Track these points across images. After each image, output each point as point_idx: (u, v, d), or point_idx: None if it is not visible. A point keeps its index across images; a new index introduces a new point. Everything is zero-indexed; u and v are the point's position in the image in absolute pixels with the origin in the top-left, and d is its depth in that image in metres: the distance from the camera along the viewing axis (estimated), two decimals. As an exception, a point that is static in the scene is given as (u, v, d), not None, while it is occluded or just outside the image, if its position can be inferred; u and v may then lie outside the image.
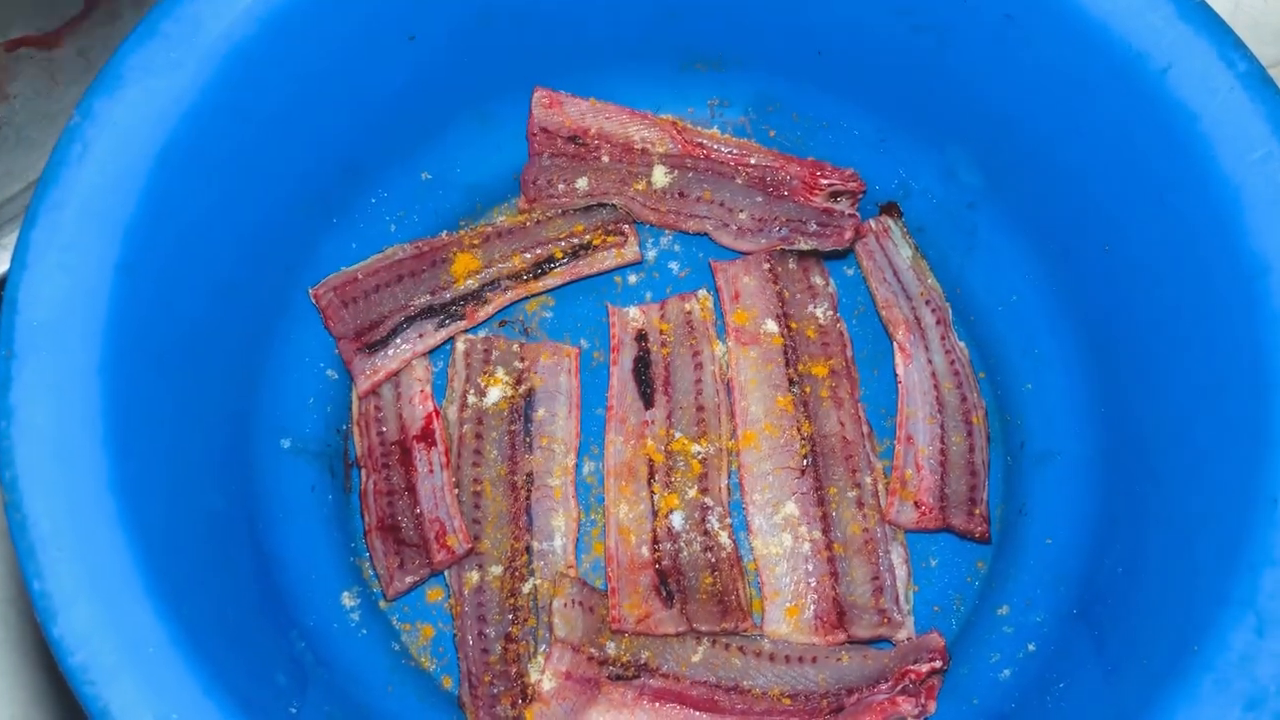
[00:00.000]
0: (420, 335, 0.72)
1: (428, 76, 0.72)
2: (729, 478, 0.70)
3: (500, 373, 0.72)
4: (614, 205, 0.76)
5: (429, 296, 0.73)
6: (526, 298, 0.75)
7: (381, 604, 0.68)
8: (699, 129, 0.78)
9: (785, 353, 0.73)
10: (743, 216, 0.76)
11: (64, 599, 0.49)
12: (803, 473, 0.70)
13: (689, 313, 0.74)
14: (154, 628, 0.49)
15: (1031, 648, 0.65)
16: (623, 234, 0.75)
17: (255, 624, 0.58)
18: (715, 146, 0.77)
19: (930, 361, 0.73)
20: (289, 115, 0.65)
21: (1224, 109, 0.59)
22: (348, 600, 0.67)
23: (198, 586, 0.53)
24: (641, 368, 0.72)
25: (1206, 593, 0.53)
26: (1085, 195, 0.67)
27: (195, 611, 0.51)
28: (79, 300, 0.54)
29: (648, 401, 0.72)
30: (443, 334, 0.73)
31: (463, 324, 0.73)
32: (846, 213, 0.75)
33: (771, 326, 0.73)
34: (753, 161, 0.77)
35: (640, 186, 0.76)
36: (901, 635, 0.67)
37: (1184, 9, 0.59)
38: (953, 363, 0.73)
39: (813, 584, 0.67)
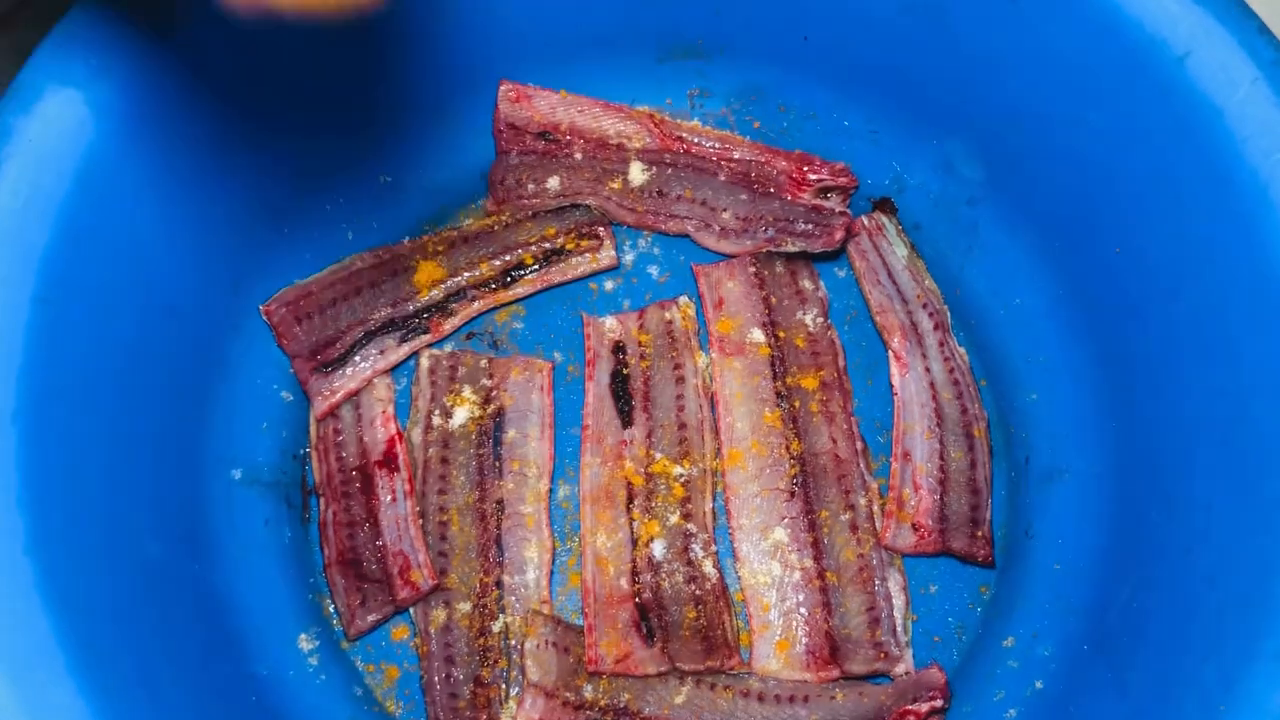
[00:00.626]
0: (381, 351, 0.68)
1: (384, 70, 0.66)
2: (714, 501, 0.65)
3: (467, 391, 0.67)
4: (588, 206, 0.71)
5: (390, 309, 0.68)
6: (495, 308, 0.70)
7: (343, 644, 0.64)
8: (678, 121, 0.72)
9: (772, 364, 0.68)
10: (726, 216, 0.71)
11: (-27, 679, 0.44)
12: (792, 495, 0.65)
13: (669, 322, 0.69)
14: (74, 707, 0.45)
15: (1039, 685, 0.61)
16: (598, 237, 0.70)
17: (195, 684, 0.54)
18: (696, 140, 0.72)
19: (928, 370, 0.68)
20: (228, 117, 0.60)
21: (1248, 101, 0.54)
22: (305, 643, 0.62)
23: (126, 652, 0.49)
24: (619, 383, 0.68)
25: (1236, 643, 0.49)
26: (1094, 191, 0.62)
27: (121, 683, 0.47)
28: (-10, 340, 0.49)
29: (626, 420, 0.67)
30: (405, 349, 0.68)
31: (427, 338, 0.68)
32: (837, 210, 0.70)
33: (758, 335, 0.68)
34: (736, 156, 0.71)
35: (616, 185, 0.71)
36: (899, 670, 0.62)
37: (1204, -9, 0.54)
38: (952, 371, 0.68)
39: (804, 616, 0.63)
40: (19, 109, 0.52)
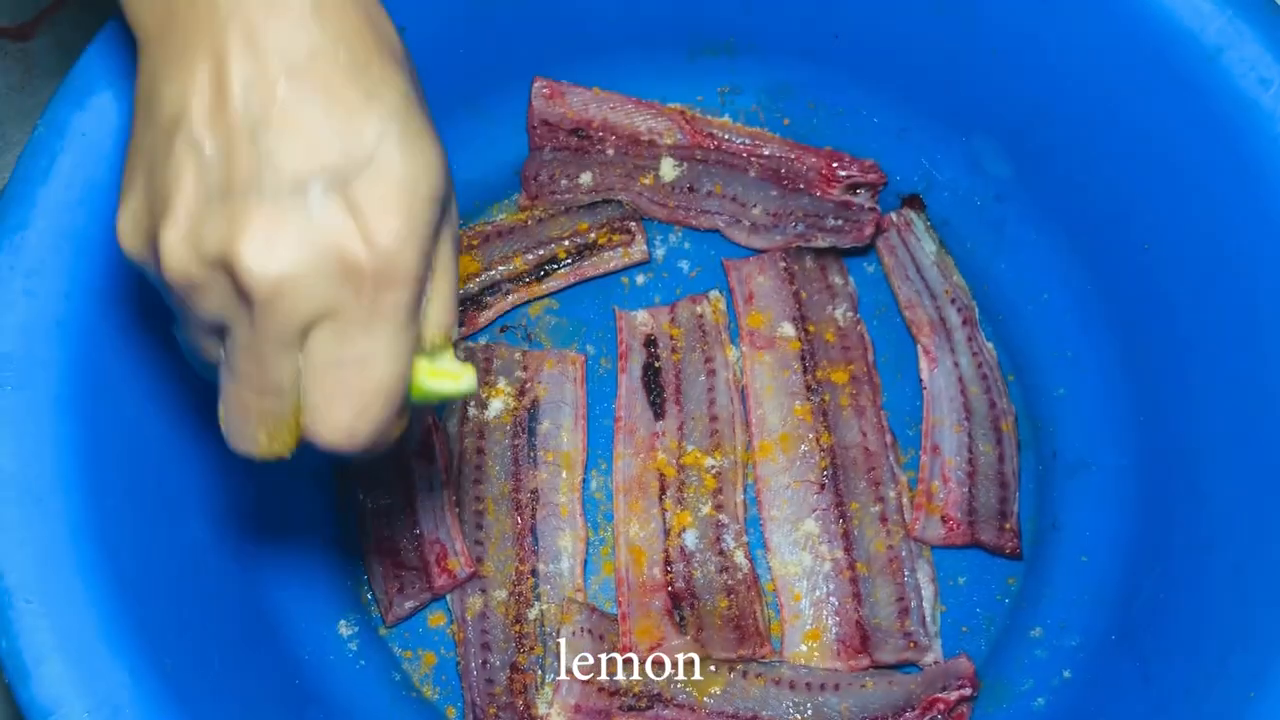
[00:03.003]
0: (417, 344, 0.69)
1: (421, 68, 0.67)
2: (745, 493, 0.66)
3: (502, 383, 0.68)
4: (620, 201, 0.72)
5: (426, 302, 0.69)
6: (529, 301, 0.71)
7: (381, 631, 0.65)
8: (709, 118, 0.73)
9: (803, 358, 0.69)
10: (756, 211, 0.71)
11: (34, 658, 0.45)
12: (822, 487, 0.66)
13: (700, 316, 0.70)
14: (131, 686, 0.46)
15: (1067, 674, 0.61)
16: (629, 232, 0.71)
17: (243, 666, 0.55)
18: (726, 136, 0.73)
19: (957, 365, 0.69)
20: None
21: (1277, 102, 0.55)
22: (345, 629, 0.63)
23: (179, 633, 0.50)
24: (651, 376, 0.69)
25: (1263, 633, 0.49)
26: (1123, 189, 0.62)
27: (176, 662, 0.48)
28: (47, 329, 0.50)
29: (658, 412, 0.68)
30: (441, 342, 0.69)
31: (462, 331, 0.69)
32: (866, 206, 0.71)
33: (788, 330, 0.69)
34: (766, 152, 0.72)
35: (647, 181, 0.72)
36: (928, 659, 0.63)
37: (1236, -14, 0.55)
38: (980, 365, 0.69)
39: (834, 606, 0.64)
40: (73, 104, 0.53)
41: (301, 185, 0.35)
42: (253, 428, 0.39)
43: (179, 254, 0.36)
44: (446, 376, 0.41)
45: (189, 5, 0.36)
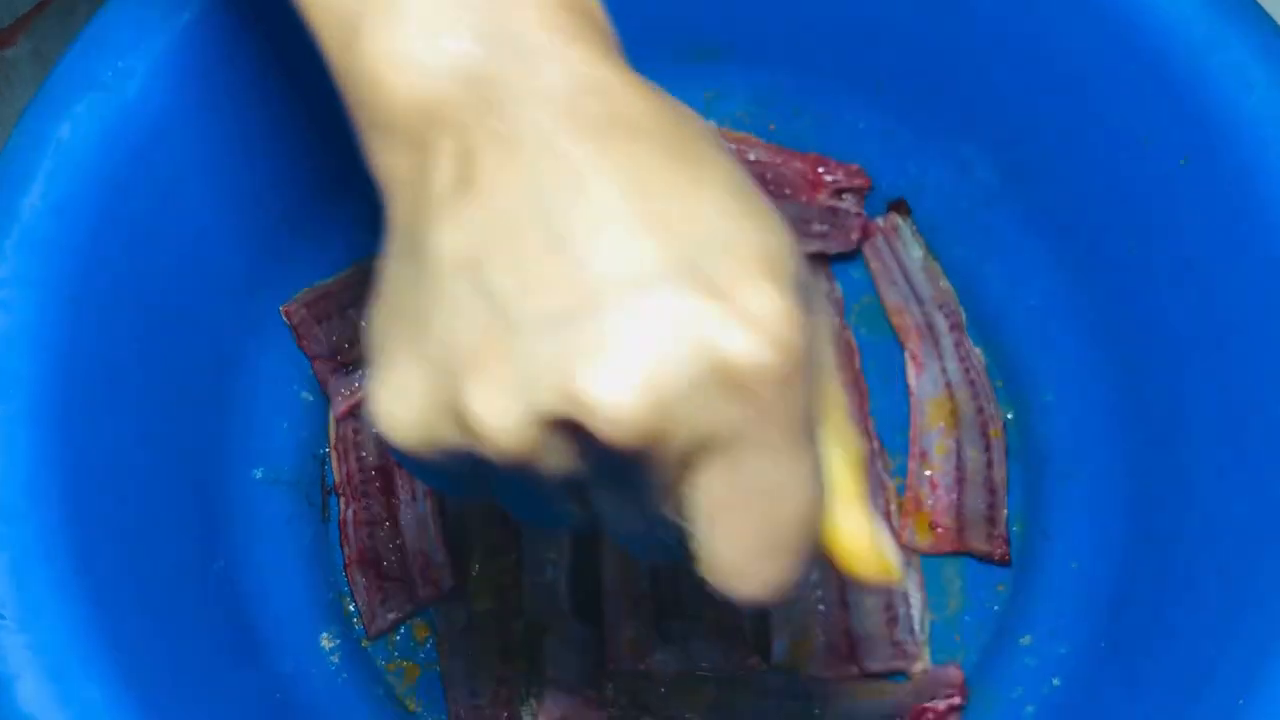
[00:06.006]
0: (401, 352, 0.68)
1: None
2: (732, 501, 0.66)
3: (487, 391, 0.67)
4: (605, 208, 0.71)
5: (409, 310, 0.68)
6: (513, 309, 0.70)
7: (363, 643, 0.64)
8: (694, 123, 0.73)
9: (790, 364, 0.68)
10: (742, 217, 0.71)
11: (7, 675, 0.44)
12: (810, 494, 0.65)
13: (687, 322, 0.70)
14: (108, 702, 0.45)
15: (1057, 682, 0.61)
16: (615, 238, 0.70)
17: (222, 680, 0.54)
18: (712, 142, 0.72)
19: (944, 370, 0.69)
20: (254, 120, 0.60)
21: (1264, 102, 0.54)
22: (327, 642, 0.63)
23: (157, 648, 0.49)
24: (637, 383, 0.68)
25: (1253, 638, 0.49)
26: (1111, 193, 0.62)
27: (153, 678, 0.47)
28: (21, 340, 0.49)
29: (644, 420, 0.67)
30: (425, 350, 0.68)
31: (446, 338, 0.69)
32: (853, 211, 0.70)
33: (774, 336, 0.69)
34: (752, 157, 0.72)
35: (633, 187, 0.71)
36: (918, 668, 0.63)
37: (1218, -9, 0.55)
38: (968, 371, 0.69)
39: (822, 614, 0.63)
40: (50, 112, 0.52)
41: (643, 285, 0.27)
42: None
43: (509, 410, 0.27)
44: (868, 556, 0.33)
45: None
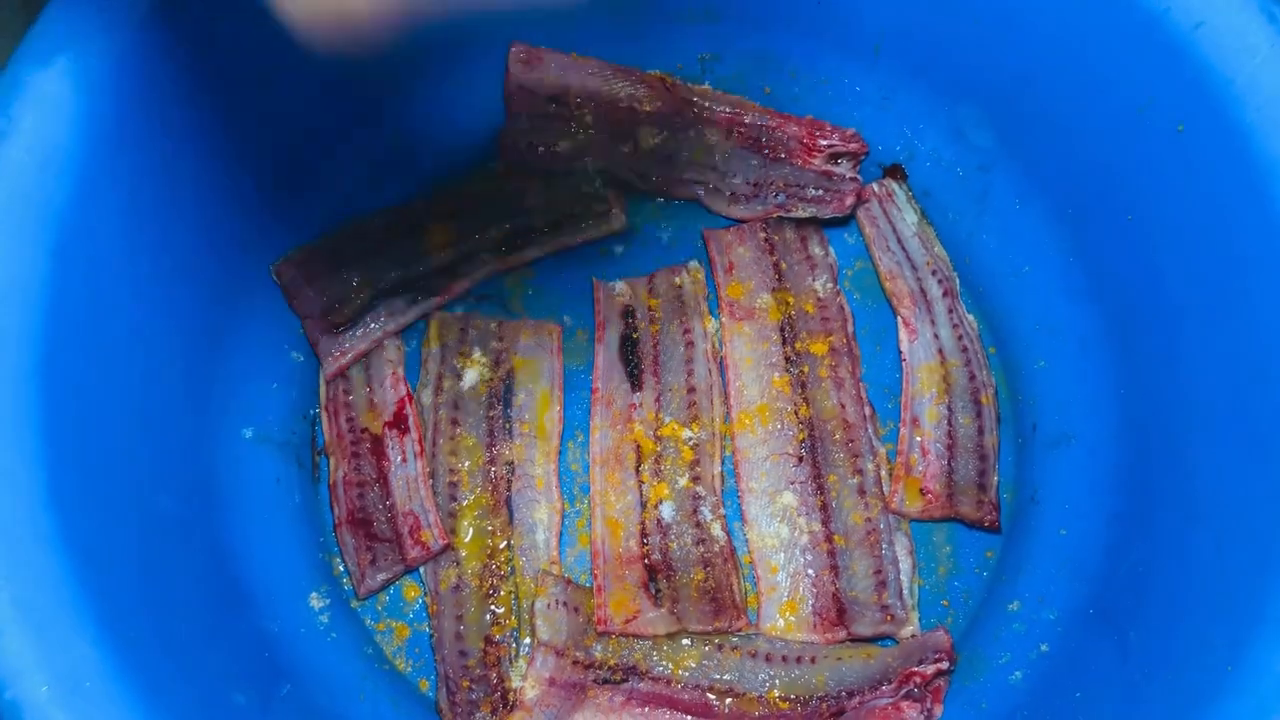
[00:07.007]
0: (391, 313, 0.68)
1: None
2: (722, 465, 0.66)
3: (477, 353, 0.67)
4: (599, 169, 0.71)
5: (400, 271, 0.68)
6: (505, 271, 0.70)
7: (353, 603, 0.64)
8: (690, 85, 0.72)
9: (782, 329, 0.68)
10: (736, 181, 0.70)
11: (-7, 629, 0.44)
12: (801, 459, 0.65)
13: (679, 286, 0.69)
14: (93, 658, 0.45)
15: (1044, 648, 0.61)
16: (607, 201, 0.70)
17: (210, 639, 0.54)
18: (707, 104, 0.71)
19: (937, 337, 0.68)
20: (239, 76, 0.59)
21: (1262, 69, 0.54)
22: (316, 601, 0.63)
23: (143, 605, 0.49)
24: (628, 347, 0.68)
25: (1242, 605, 0.49)
26: (1106, 159, 0.62)
27: (139, 635, 0.47)
28: (7, 294, 0.49)
29: (635, 383, 0.67)
30: (415, 311, 0.68)
31: (437, 300, 0.68)
32: (848, 176, 0.70)
33: (767, 300, 0.69)
34: (747, 121, 0.71)
35: (626, 149, 0.71)
36: (906, 632, 0.63)
37: (1220, -43, 0.54)
38: (960, 338, 0.68)
39: (811, 578, 0.63)
40: (33, 63, 0.51)
41: None
42: None
43: None
44: None
45: None
